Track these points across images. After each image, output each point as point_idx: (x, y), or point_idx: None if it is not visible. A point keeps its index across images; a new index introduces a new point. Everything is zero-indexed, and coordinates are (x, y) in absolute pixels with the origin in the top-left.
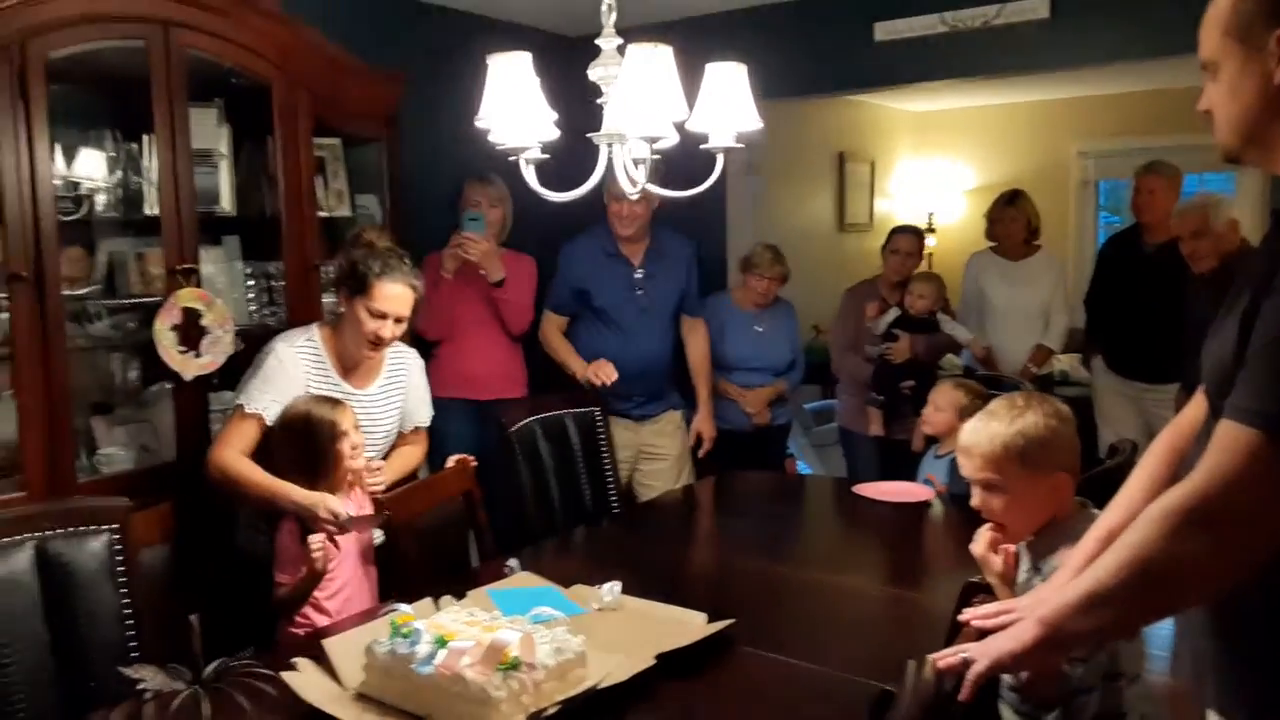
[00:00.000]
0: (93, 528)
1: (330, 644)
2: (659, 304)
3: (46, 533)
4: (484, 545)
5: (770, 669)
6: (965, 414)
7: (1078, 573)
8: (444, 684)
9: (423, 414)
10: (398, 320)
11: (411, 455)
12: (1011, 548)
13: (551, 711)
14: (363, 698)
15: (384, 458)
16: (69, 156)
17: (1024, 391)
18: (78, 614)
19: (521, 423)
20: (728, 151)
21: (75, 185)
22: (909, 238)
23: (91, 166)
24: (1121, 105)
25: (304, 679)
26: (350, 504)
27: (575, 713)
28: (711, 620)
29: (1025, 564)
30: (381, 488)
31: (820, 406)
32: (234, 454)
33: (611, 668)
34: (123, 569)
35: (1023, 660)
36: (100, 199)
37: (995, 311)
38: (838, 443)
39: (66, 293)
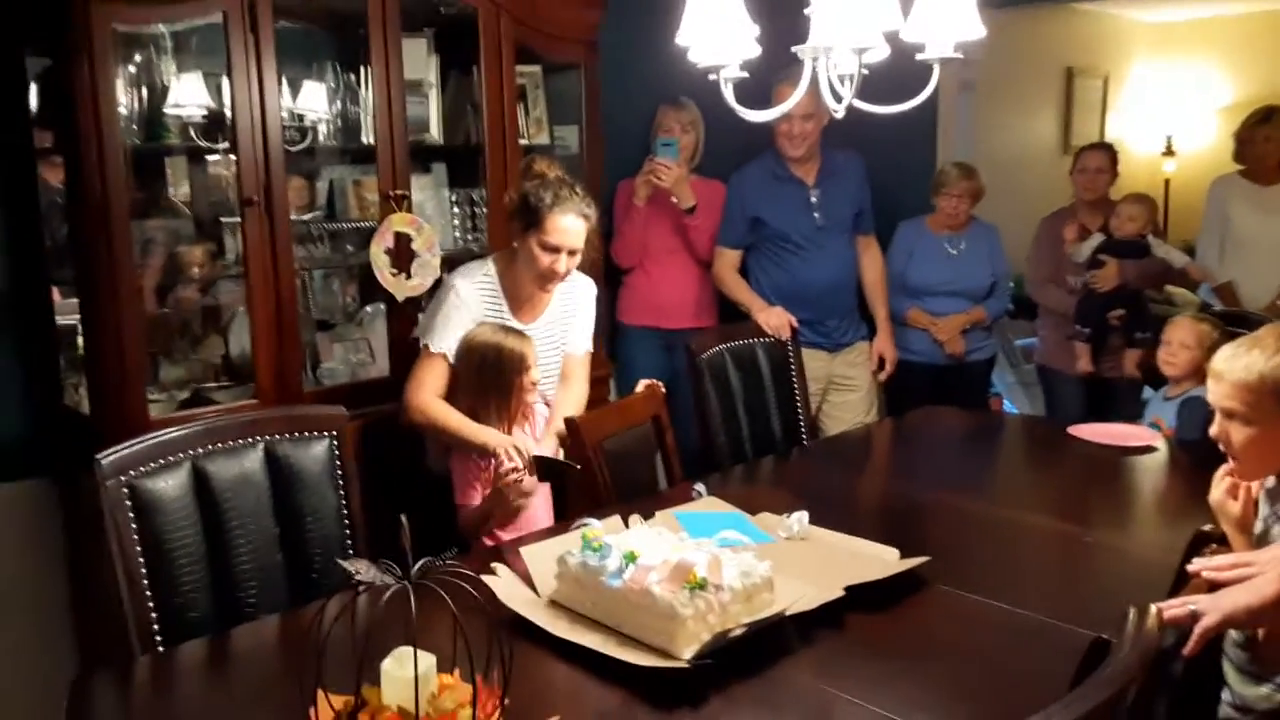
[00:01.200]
0: (316, 433)
1: (527, 551)
2: (835, 223)
3: (275, 436)
4: (671, 470)
5: (968, 610)
6: (1214, 350)
7: None
8: (633, 598)
9: (580, 341)
10: (571, 253)
11: (575, 400)
12: (1255, 486)
13: (737, 633)
14: (555, 605)
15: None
16: (294, 89)
17: None
18: (303, 512)
19: (712, 350)
20: (944, 63)
21: (300, 117)
22: (1098, 154)
23: (314, 99)
24: None
25: (502, 583)
26: (524, 436)
27: (761, 636)
28: (904, 556)
29: (1264, 511)
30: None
31: (1033, 343)
32: (430, 396)
33: (799, 595)
34: (340, 472)
35: (1259, 617)
36: (322, 129)
37: (1240, 242)
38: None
39: (293, 218)
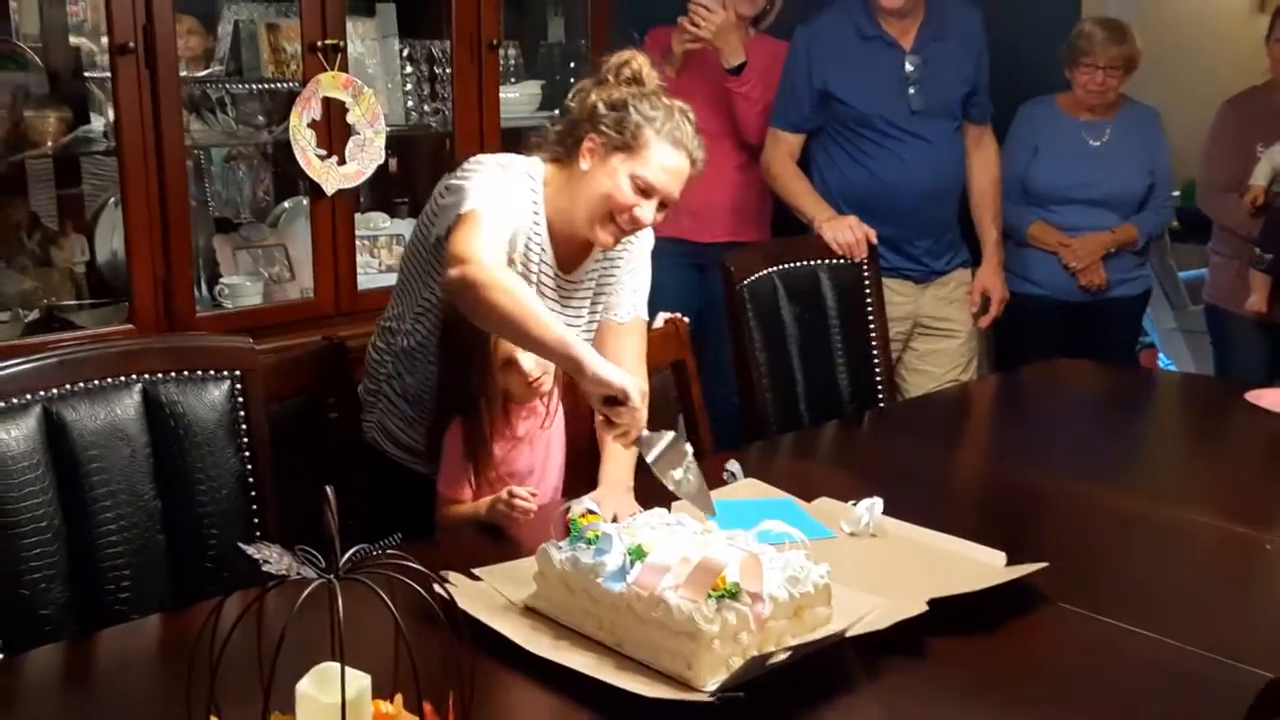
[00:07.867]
0: (211, 373)
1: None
2: (939, 105)
3: (157, 376)
4: (698, 435)
5: (1096, 636)
6: None
7: None
8: (639, 607)
9: (625, 301)
10: (664, 204)
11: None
12: None
13: (780, 658)
14: (532, 612)
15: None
16: None
17: None
18: (193, 478)
19: (758, 274)
20: None
21: None
22: None
23: None
24: None
25: (461, 583)
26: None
27: (812, 664)
28: (1012, 563)
29: None
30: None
31: (1203, 275)
32: (505, 261)
33: (865, 611)
34: (245, 426)
35: None
36: None
37: None
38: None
39: (183, 74)
